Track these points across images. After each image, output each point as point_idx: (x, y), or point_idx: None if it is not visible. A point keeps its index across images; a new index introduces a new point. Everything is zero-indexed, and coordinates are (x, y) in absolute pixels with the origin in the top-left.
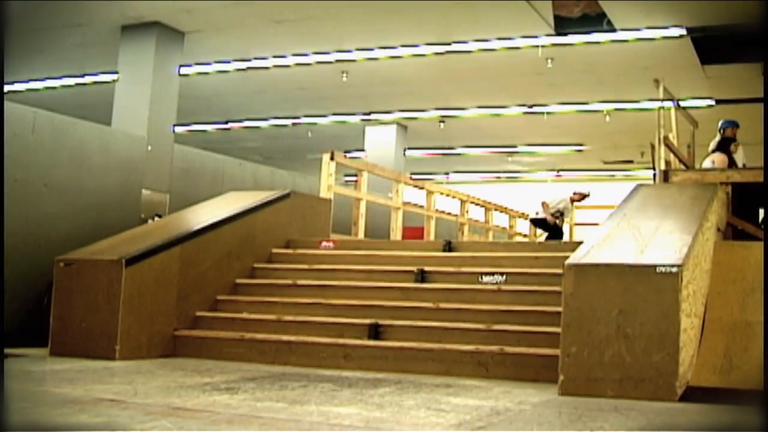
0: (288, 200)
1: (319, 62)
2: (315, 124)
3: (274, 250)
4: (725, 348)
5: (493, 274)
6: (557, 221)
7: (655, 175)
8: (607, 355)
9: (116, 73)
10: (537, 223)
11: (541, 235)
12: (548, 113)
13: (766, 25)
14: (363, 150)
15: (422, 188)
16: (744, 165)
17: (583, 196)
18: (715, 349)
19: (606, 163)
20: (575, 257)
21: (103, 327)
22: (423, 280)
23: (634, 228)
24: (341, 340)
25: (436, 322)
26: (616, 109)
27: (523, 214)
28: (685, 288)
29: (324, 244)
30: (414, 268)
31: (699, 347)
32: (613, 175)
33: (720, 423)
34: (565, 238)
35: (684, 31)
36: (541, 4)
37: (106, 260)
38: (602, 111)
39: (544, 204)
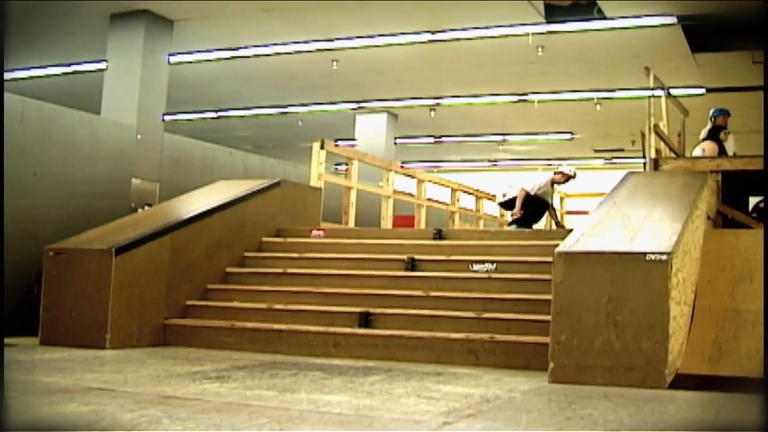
0: (278, 189)
1: (309, 50)
2: (305, 112)
3: (265, 239)
4: (715, 336)
5: (483, 262)
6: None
7: (645, 163)
8: (596, 343)
9: (105, 61)
10: (506, 206)
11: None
12: (539, 102)
13: (765, 13)
14: (354, 139)
15: (413, 177)
16: (735, 153)
17: (568, 177)
18: (704, 336)
19: (597, 151)
20: (565, 245)
21: (93, 316)
22: (413, 269)
23: (624, 216)
24: (332, 329)
25: (427, 311)
26: (607, 98)
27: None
28: (674, 276)
29: (314, 232)
30: (404, 257)
31: (688, 335)
32: (603, 164)
33: (709, 410)
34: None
35: (675, 20)
36: None
37: (95, 249)
38: (593, 99)
39: (522, 191)
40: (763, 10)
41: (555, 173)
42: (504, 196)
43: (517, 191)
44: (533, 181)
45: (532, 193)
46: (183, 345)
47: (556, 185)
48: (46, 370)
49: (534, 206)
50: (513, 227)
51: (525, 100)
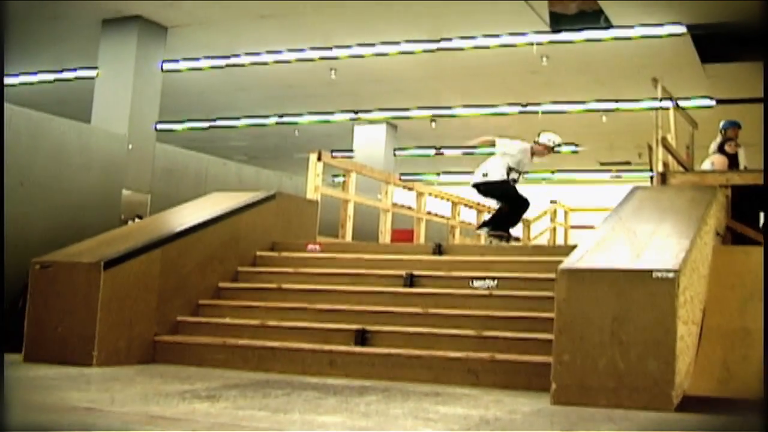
0: (273, 201)
1: (306, 59)
2: (302, 122)
3: (259, 253)
4: (723, 356)
5: (484, 278)
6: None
7: (652, 177)
8: (600, 363)
9: (96, 68)
10: (487, 189)
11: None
12: (543, 113)
13: (766, 24)
14: (352, 150)
15: (412, 189)
16: (745, 167)
17: (549, 149)
18: (713, 357)
19: (602, 164)
20: (569, 262)
21: (80, 332)
22: (412, 285)
23: (629, 232)
24: (327, 347)
25: (425, 328)
26: (613, 109)
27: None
28: (681, 294)
29: (310, 246)
30: (403, 272)
31: (696, 355)
32: (609, 177)
33: None
34: (559, 240)
35: (684, 29)
36: (537, 1)
37: (84, 263)
38: (599, 111)
39: (485, 141)
40: None
41: (535, 143)
42: (485, 176)
43: (501, 171)
44: (510, 152)
45: (508, 154)
46: (173, 362)
47: (535, 158)
48: (30, 387)
49: (514, 199)
50: (484, 231)
51: (528, 111)
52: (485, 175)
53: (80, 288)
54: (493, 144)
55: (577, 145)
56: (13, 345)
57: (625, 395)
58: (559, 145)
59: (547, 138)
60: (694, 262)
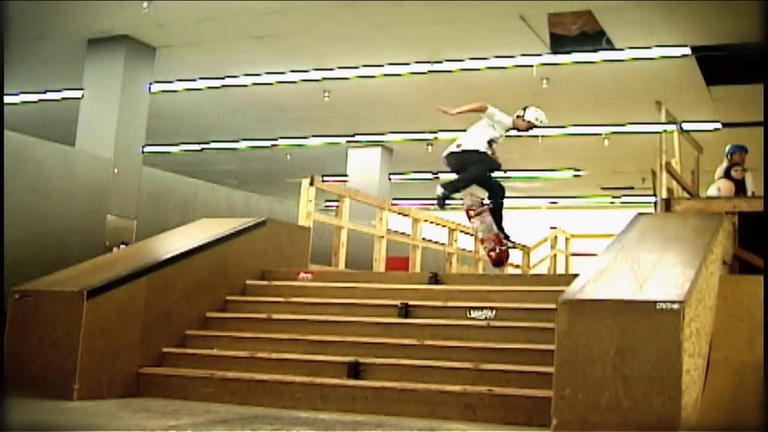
0: (264, 228)
1: (299, 81)
2: (294, 146)
3: (249, 282)
4: (732, 391)
5: (482, 308)
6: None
7: (656, 203)
8: (603, 398)
9: (81, 89)
10: (459, 160)
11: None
12: (543, 136)
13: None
14: (345, 174)
15: (407, 215)
16: (753, 193)
17: (531, 126)
18: (720, 391)
19: (604, 189)
20: (570, 292)
21: (60, 364)
22: (407, 315)
23: (632, 261)
24: (318, 380)
25: (421, 361)
26: (616, 133)
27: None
28: (687, 326)
29: (302, 275)
30: (398, 302)
31: (703, 390)
32: (612, 202)
33: None
34: (560, 267)
35: (688, 51)
36: (537, 21)
37: (65, 292)
38: (601, 134)
39: (476, 108)
40: None
41: (517, 116)
42: (459, 147)
43: (478, 141)
44: (500, 122)
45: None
46: (158, 396)
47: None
48: (5, 423)
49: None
50: (440, 191)
51: (529, 135)
52: (459, 146)
53: (61, 318)
54: (484, 110)
55: (578, 170)
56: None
57: None
58: (535, 122)
59: (534, 116)
60: (700, 292)
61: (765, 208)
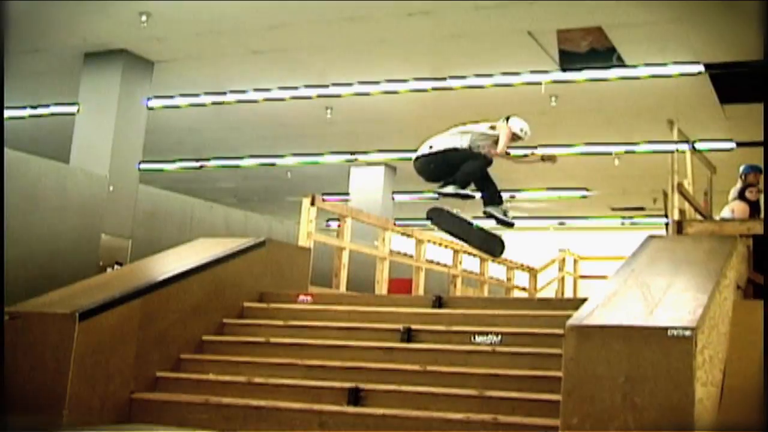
0: (263, 249)
1: (301, 97)
2: (295, 164)
3: (246, 304)
4: (746, 421)
5: (487, 333)
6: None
7: (667, 225)
8: (612, 428)
9: (77, 104)
10: (441, 160)
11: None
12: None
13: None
14: (347, 193)
15: (411, 236)
16: None
17: (516, 139)
18: (735, 422)
19: (614, 209)
20: (577, 317)
21: (50, 389)
22: (410, 340)
23: (643, 285)
24: (317, 406)
25: (423, 387)
26: (626, 152)
27: (522, 265)
28: (700, 353)
29: (301, 297)
30: (400, 326)
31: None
32: (621, 224)
33: None
34: (568, 290)
35: (702, 68)
36: (545, 38)
37: (57, 313)
38: (611, 153)
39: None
40: None
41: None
42: (431, 148)
43: (456, 138)
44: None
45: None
46: (151, 422)
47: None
48: None
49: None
50: (450, 189)
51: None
52: (431, 147)
53: (52, 341)
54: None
55: (587, 190)
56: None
57: None
58: (526, 134)
59: (519, 127)
60: (713, 318)
61: (765, 230)
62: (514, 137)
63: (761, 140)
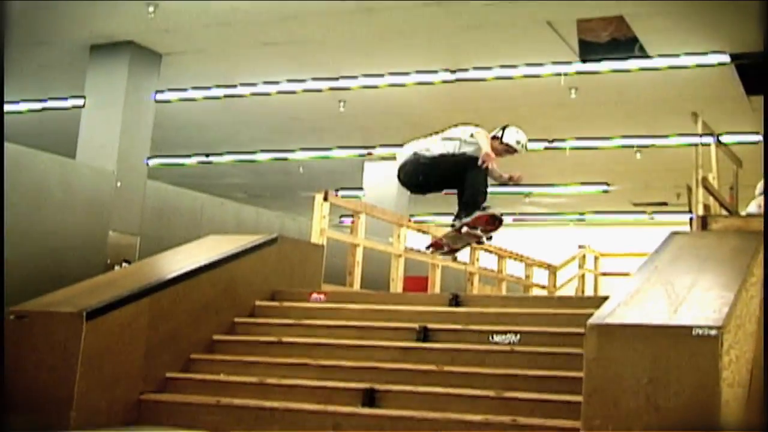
0: (275, 246)
1: (313, 89)
2: (307, 158)
3: (258, 303)
4: None
5: (505, 332)
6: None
7: (691, 220)
8: (635, 430)
9: (83, 98)
10: (428, 167)
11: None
12: (571, 149)
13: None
14: (361, 188)
15: (427, 232)
16: None
17: (511, 152)
18: (762, 423)
19: (636, 205)
20: (599, 316)
21: (56, 390)
22: (426, 339)
23: (666, 283)
24: (331, 407)
25: (440, 388)
26: (648, 145)
27: (541, 262)
28: (726, 354)
29: (314, 296)
30: (416, 325)
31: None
32: (644, 219)
33: None
34: (588, 288)
35: (727, 58)
36: (565, 28)
37: (63, 313)
38: (633, 147)
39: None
40: None
41: (493, 138)
42: (428, 151)
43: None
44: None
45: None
46: (161, 424)
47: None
48: None
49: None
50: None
51: (555, 148)
52: (428, 150)
53: (59, 341)
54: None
55: (608, 184)
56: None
57: None
58: (524, 147)
59: (515, 138)
60: (740, 317)
61: (765, 228)
62: (509, 149)
63: None
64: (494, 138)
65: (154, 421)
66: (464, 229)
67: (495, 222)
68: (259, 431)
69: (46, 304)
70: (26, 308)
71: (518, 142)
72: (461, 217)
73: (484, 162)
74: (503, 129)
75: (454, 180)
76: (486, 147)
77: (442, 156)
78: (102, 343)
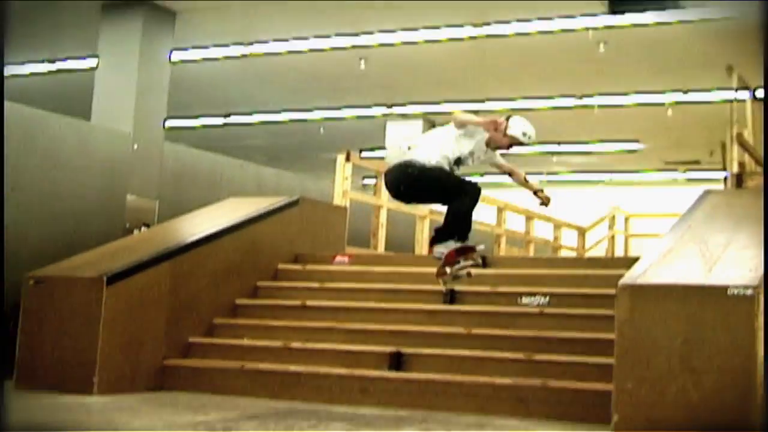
0: (296, 208)
1: (333, 47)
2: (328, 118)
3: (281, 266)
4: None
5: (534, 294)
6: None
7: (726, 178)
8: (669, 393)
9: (96, 58)
10: (416, 181)
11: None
12: (600, 106)
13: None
14: (383, 148)
15: None
16: None
17: (516, 143)
18: None
19: (668, 163)
20: (631, 276)
21: (79, 356)
22: (453, 302)
23: (700, 242)
24: (357, 371)
25: (468, 351)
26: (681, 101)
27: (569, 223)
28: (762, 314)
29: (338, 258)
30: (443, 287)
31: None
32: (676, 178)
33: None
34: (619, 251)
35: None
36: None
37: (84, 278)
38: (664, 103)
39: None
40: None
41: (495, 129)
42: (428, 158)
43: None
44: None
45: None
46: (184, 389)
47: (489, 151)
48: (21, 421)
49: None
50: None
51: (583, 105)
52: (418, 156)
53: (79, 306)
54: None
55: (639, 142)
56: (4, 370)
57: (698, 430)
58: (530, 138)
59: (521, 129)
60: None
61: (765, 206)
62: (514, 141)
63: None
64: (496, 129)
65: (178, 386)
66: (447, 269)
67: (467, 252)
68: (285, 396)
69: (66, 269)
70: (46, 273)
71: (525, 134)
72: (434, 244)
73: (487, 128)
74: (507, 119)
75: (437, 199)
76: (480, 119)
77: (431, 170)
78: (123, 307)
